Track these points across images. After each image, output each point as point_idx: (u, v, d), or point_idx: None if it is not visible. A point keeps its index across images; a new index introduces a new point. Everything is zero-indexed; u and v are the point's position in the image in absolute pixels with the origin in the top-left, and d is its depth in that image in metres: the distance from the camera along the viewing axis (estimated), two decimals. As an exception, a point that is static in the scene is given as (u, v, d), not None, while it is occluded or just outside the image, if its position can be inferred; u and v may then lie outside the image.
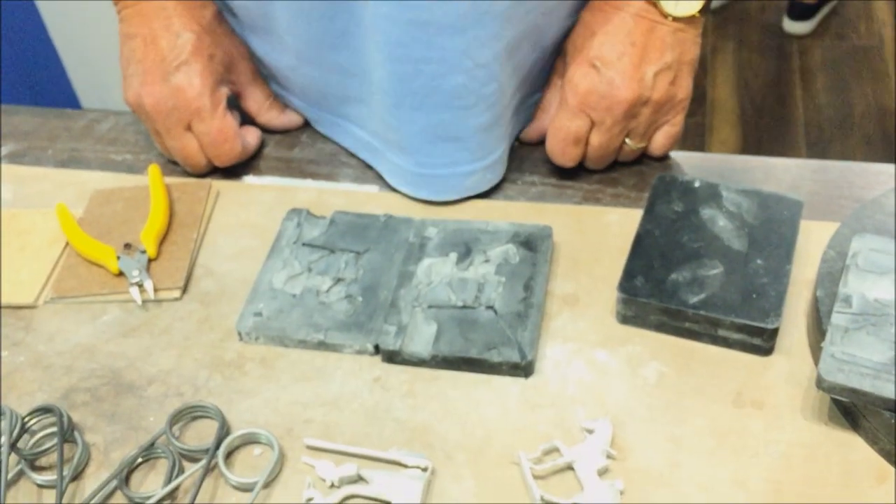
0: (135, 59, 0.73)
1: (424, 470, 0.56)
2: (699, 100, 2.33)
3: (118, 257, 0.68)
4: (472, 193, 0.73)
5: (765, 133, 2.23)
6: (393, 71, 0.68)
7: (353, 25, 0.69)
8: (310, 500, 0.55)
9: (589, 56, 0.68)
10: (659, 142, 0.73)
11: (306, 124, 0.82)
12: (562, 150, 0.71)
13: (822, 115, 2.27)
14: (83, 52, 1.97)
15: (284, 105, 0.81)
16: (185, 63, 0.72)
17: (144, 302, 0.67)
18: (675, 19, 0.68)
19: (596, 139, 0.70)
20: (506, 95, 0.71)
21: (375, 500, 0.56)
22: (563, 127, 0.70)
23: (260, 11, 0.74)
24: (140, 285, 0.68)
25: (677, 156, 0.76)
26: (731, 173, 0.74)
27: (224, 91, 0.75)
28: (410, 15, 0.64)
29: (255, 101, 0.79)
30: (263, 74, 0.80)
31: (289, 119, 0.81)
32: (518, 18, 0.67)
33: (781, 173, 0.74)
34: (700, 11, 0.68)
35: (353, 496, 0.56)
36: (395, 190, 0.75)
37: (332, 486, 0.56)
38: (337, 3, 0.68)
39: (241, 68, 0.77)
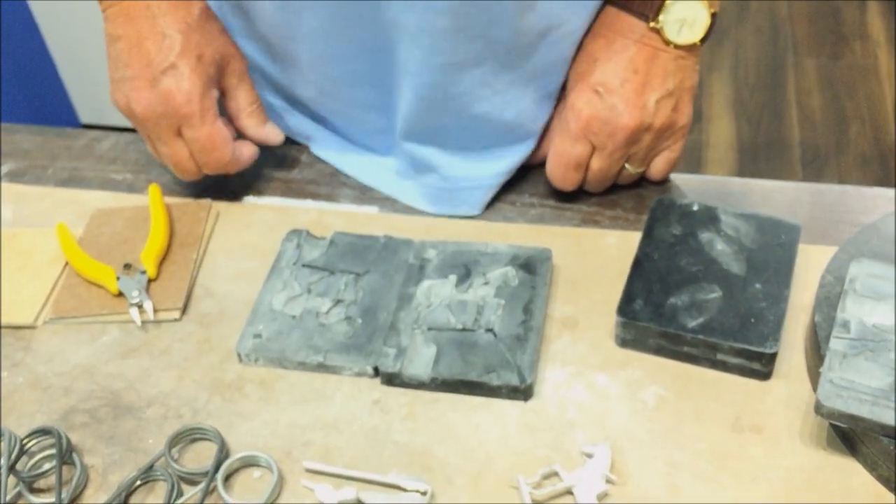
0: (121, 63, 0.70)
1: (423, 494, 0.56)
2: (696, 117, 2.33)
3: (118, 277, 0.69)
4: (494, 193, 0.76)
5: (761, 152, 2.24)
6: (417, 104, 0.71)
7: (380, 67, 0.71)
8: None
9: (591, 82, 0.69)
10: (658, 167, 0.74)
11: (304, 144, 0.82)
12: (563, 175, 0.72)
13: (818, 135, 2.28)
14: (82, 67, 1.97)
15: (267, 119, 0.77)
16: (172, 66, 0.69)
17: (144, 323, 0.67)
18: (677, 47, 0.68)
19: (596, 164, 0.71)
20: (527, 118, 0.73)
21: None
22: (565, 152, 0.70)
23: (283, 48, 0.74)
24: (140, 306, 0.68)
25: (675, 178, 0.76)
26: (728, 196, 0.74)
27: (214, 94, 0.72)
28: (442, 59, 0.67)
29: (237, 103, 0.75)
30: (279, 94, 0.80)
31: (266, 133, 0.76)
32: (541, 53, 0.70)
33: (779, 196, 0.74)
34: (701, 40, 0.68)
35: (352, 520, 0.56)
36: (405, 210, 0.75)
37: (332, 509, 0.56)
38: (363, 46, 0.70)
39: (231, 68, 0.73)
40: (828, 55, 2.51)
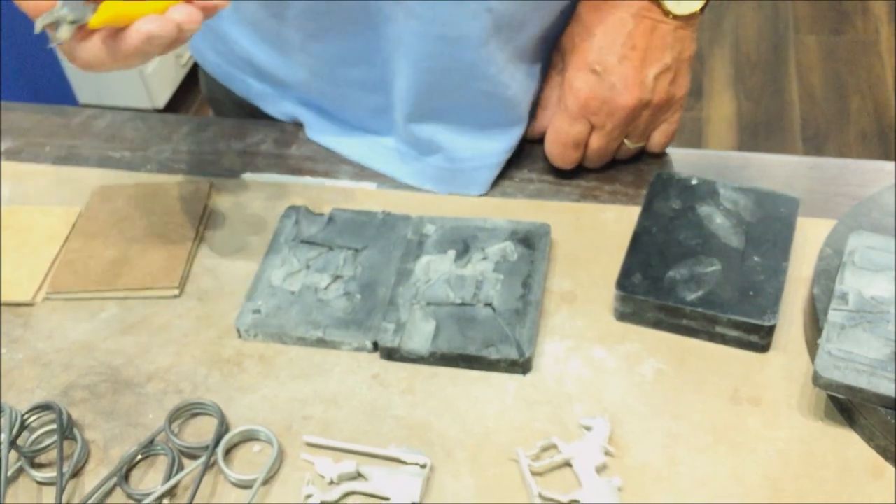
0: None
1: (423, 467, 0.56)
2: (696, 94, 2.33)
3: None
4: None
5: (761, 128, 2.24)
6: (417, 81, 0.69)
7: (374, 42, 0.69)
8: (308, 496, 0.56)
9: (588, 60, 0.68)
10: (657, 140, 0.73)
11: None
12: (561, 154, 0.71)
13: (818, 111, 2.27)
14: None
15: None
16: None
17: (143, 299, 0.68)
18: (676, 17, 0.67)
19: (595, 142, 0.70)
20: (524, 91, 0.72)
21: (374, 496, 0.56)
22: (563, 131, 0.70)
23: (272, 30, 0.73)
24: (59, 21, 0.52)
25: (674, 153, 0.76)
26: (727, 170, 0.74)
27: None
28: (439, 31, 0.66)
29: None
30: (265, 83, 0.80)
31: None
32: (533, 23, 0.69)
33: (778, 170, 0.74)
34: (701, 9, 0.67)
35: (351, 493, 0.56)
36: (404, 186, 0.75)
37: (332, 482, 0.57)
38: (356, 22, 0.69)
39: None
40: (829, 31, 2.50)
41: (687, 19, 0.68)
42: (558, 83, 0.73)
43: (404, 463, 0.57)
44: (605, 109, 0.68)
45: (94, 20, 0.52)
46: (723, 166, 0.75)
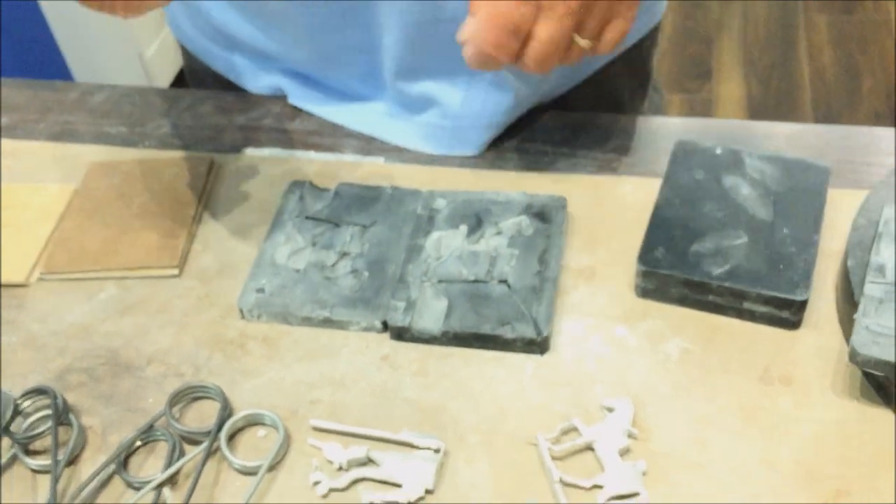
0: None
1: (437, 451, 0.54)
2: (705, 75, 2.29)
3: None
4: (496, 134, 0.72)
5: (771, 109, 2.20)
6: (404, 36, 0.66)
7: (358, 2, 0.66)
8: (316, 483, 0.53)
9: None
10: (607, 38, 0.60)
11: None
12: (496, 40, 0.56)
13: (830, 91, 2.23)
14: (75, 25, 1.93)
15: None
16: None
17: (141, 279, 0.65)
18: None
19: (543, 31, 0.56)
20: None
21: (385, 482, 0.53)
22: (503, 13, 0.55)
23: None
24: None
25: (694, 122, 0.73)
26: (751, 140, 0.71)
27: None
28: None
29: None
30: (245, 53, 0.77)
31: None
32: None
33: (804, 139, 0.71)
34: None
35: (362, 479, 0.53)
36: (412, 160, 0.72)
37: (340, 468, 0.54)
38: None
39: None
40: (839, 10, 2.46)
41: None
42: None
43: (417, 448, 0.54)
44: None
45: None
46: (747, 136, 0.72)
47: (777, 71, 2.31)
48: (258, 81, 0.78)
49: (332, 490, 0.53)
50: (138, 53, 2.07)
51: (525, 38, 0.56)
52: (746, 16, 2.47)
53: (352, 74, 0.74)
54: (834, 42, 2.37)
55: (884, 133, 0.70)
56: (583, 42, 0.59)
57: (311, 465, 0.54)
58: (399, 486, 0.53)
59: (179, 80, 2.26)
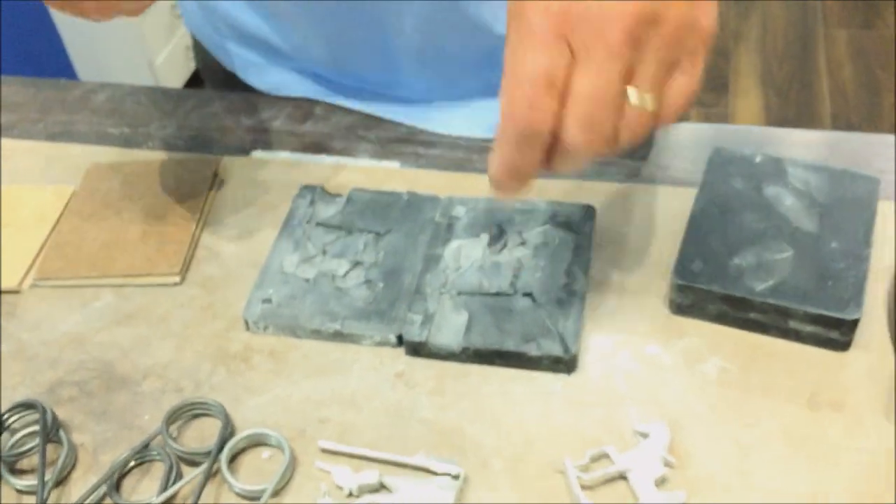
0: None
1: (456, 478, 0.49)
2: (721, 90, 2.25)
3: None
4: None
5: (790, 124, 2.16)
6: (421, 43, 0.63)
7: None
8: None
9: None
10: (671, 97, 0.46)
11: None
12: (530, 102, 0.43)
13: (850, 106, 2.19)
14: (85, 33, 1.90)
15: None
16: None
17: (141, 287, 0.61)
18: None
19: (584, 83, 0.43)
20: None
21: None
22: (529, 64, 0.44)
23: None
24: None
25: (724, 129, 0.69)
26: (791, 148, 0.67)
27: None
28: None
29: None
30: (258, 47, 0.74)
31: None
32: None
33: (846, 148, 0.67)
34: None
35: (374, 506, 0.49)
36: (430, 165, 0.68)
37: (350, 494, 0.49)
38: None
39: None
40: (859, 25, 2.41)
41: None
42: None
43: (434, 473, 0.50)
44: (593, 24, 0.43)
45: None
46: (783, 143, 0.68)
47: (796, 84, 2.27)
48: (262, 79, 0.76)
49: None
50: (148, 60, 2.04)
51: (563, 97, 0.44)
52: (765, 27, 2.43)
53: (370, 67, 0.71)
54: (854, 56, 2.33)
55: (931, 141, 0.66)
56: (639, 99, 0.44)
57: (320, 491, 0.49)
58: None
59: (190, 87, 2.23)
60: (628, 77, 0.44)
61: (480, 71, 0.69)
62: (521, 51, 0.44)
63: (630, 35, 0.43)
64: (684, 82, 0.45)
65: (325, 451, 0.51)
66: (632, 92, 0.44)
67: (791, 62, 2.33)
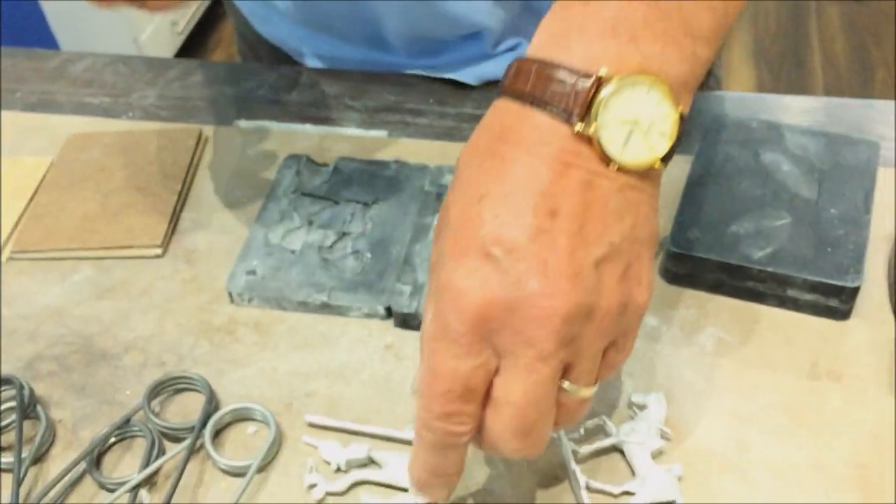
0: None
1: None
2: (713, 66, 2.23)
3: None
4: None
5: (782, 100, 2.14)
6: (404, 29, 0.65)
7: None
8: (312, 486, 0.47)
9: (479, 238, 0.38)
10: (600, 372, 0.42)
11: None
12: (447, 411, 0.39)
13: (842, 82, 2.18)
14: (70, 11, 1.87)
15: None
16: None
17: (121, 259, 0.59)
18: (622, 169, 0.39)
19: (513, 390, 0.39)
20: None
21: (388, 486, 0.47)
22: (445, 368, 0.39)
23: None
24: None
25: (722, 96, 0.67)
26: (786, 115, 0.65)
27: None
28: None
29: None
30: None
31: None
32: None
33: (845, 114, 0.65)
34: (664, 157, 0.40)
35: (362, 482, 0.48)
36: (419, 134, 0.66)
37: (339, 470, 0.48)
38: None
39: None
40: (852, -1, 2.40)
41: (641, 175, 0.40)
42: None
43: None
44: (515, 325, 0.38)
45: None
46: (780, 109, 0.66)
47: (788, 60, 2.25)
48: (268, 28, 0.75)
49: (328, 494, 0.47)
50: (133, 37, 2.01)
51: (487, 398, 0.39)
52: (757, 3, 2.41)
53: (356, 37, 0.70)
54: (846, 31, 2.31)
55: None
56: (574, 390, 0.40)
57: (306, 466, 0.48)
58: (404, 490, 0.47)
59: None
60: (562, 372, 0.39)
61: (461, 46, 0.69)
62: (438, 350, 0.39)
63: (561, 337, 0.38)
64: (614, 357, 0.42)
65: (311, 425, 0.50)
66: (568, 386, 0.40)
67: (783, 38, 2.31)
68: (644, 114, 0.39)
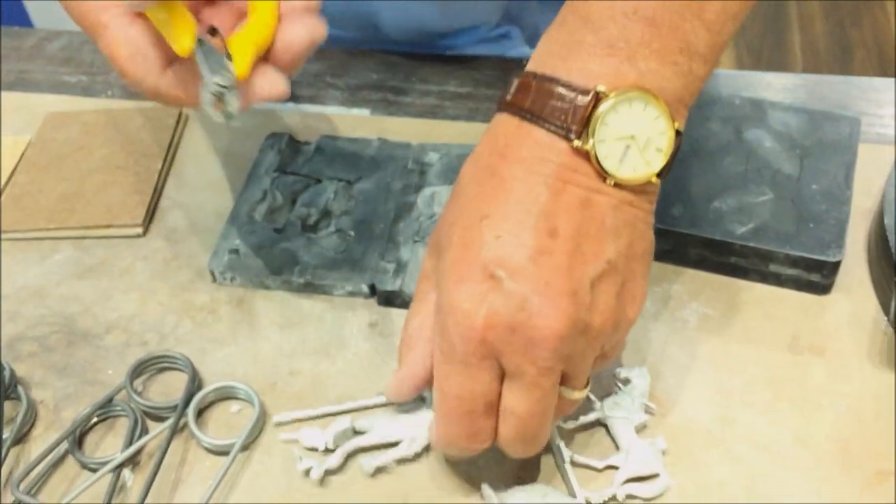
0: None
1: (422, 400, 0.48)
2: (694, 47, 2.24)
3: (198, 40, 0.42)
4: None
5: (763, 81, 2.15)
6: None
7: None
8: (308, 470, 0.47)
9: (482, 259, 0.40)
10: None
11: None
12: (468, 431, 0.42)
13: (821, 63, 2.19)
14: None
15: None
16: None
17: (102, 239, 0.58)
18: (619, 185, 0.40)
19: (518, 403, 0.41)
20: None
21: (381, 446, 0.47)
22: (457, 389, 0.41)
23: None
24: (220, 96, 0.43)
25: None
26: (769, 91, 0.65)
27: None
28: None
29: None
30: None
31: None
32: None
33: (826, 91, 0.65)
34: (659, 173, 0.41)
35: (355, 451, 0.47)
36: (402, 112, 0.66)
37: (327, 449, 0.48)
38: None
39: None
40: (831, -20, 2.40)
41: (637, 191, 0.41)
42: (429, 311, 0.44)
43: (400, 404, 0.49)
44: (518, 344, 0.40)
45: (241, 71, 0.43)
46: (761, 86, 0.66)
47: (768, 40, 2.25)
48: None
49: (328, 473, 0.47)
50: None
51: (495, 409, 0.42)
52: (737, -15, 2.41)
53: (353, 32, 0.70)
54: (826, 12, 2.32)
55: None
56: (573, 395, 0.43)
57: (295, 456, 0.47)
58: (397, 443, 0.47)
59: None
60: (561, 380, 0.42)
61: (457, 37, 0.70)
62: (450, 374, 0.41)
63: (558, 354, 0.40)
64: (601, 362, 0.44)
65: (280, 424, 0.49)
66: (567, 392, 0.43)
67: (763, 19, 2.31)
68: (640, 130, 0.40)
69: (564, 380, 0.42)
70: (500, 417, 0.42)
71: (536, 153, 0.40)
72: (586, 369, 0.42)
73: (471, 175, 0.42)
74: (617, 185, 0.40)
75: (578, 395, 0.43)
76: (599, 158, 0.39)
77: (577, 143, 0.39)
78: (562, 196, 0.40)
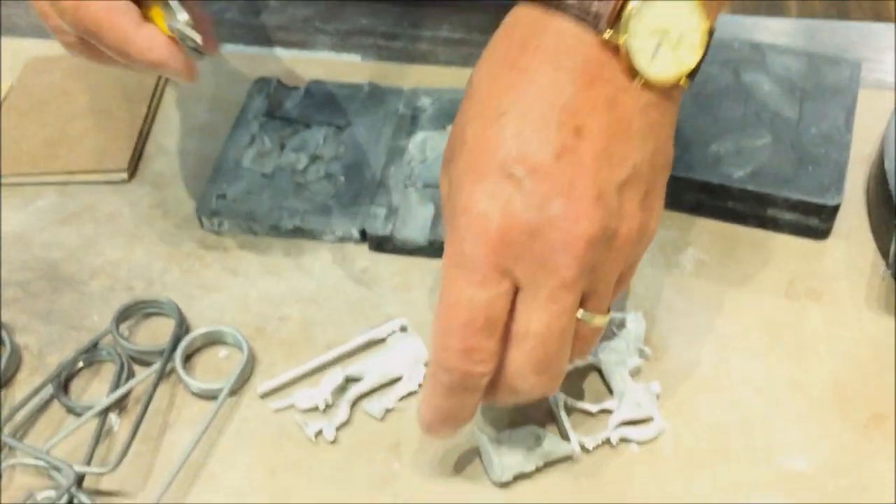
0: None
1: (404, 329, 0.48)
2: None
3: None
4: None
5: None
6: None
7: None
8: (318, 433, 0.45)
9: (500, 157, 0.36)
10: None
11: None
12: (466, 347, 0.37)
13: (817, 13, 2.17)
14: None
15: None
16: None
17: (86, 184, 0.57)
18: (647, 85, 0.37)
19: (534, 321, 0.37)
20: None
21: (382, 386, 0.47)
22: (464, 299, 0.37)
23: None
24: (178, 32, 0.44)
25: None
26: (767, 35, 0.64)
27: None
28: None
29: None
30: None
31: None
32: None
33: (826, 37, 0.64)
34: (690, 73, 0.38)
35: (357, 398, 0.47)
36: (394, 57, 0.64)
37: (328, 407, 0.47)
38: None
39: None
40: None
41: (665, 93, 0.38)
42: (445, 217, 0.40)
43: (383, 340, 0.49)
44: (538, 250, 0.36)
45: None
46: (762, 30, 0.65)
47: (764, 7, 2.23)
48: None
49: (339, 429, 0.46)
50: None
51: (505, 336, 0.38)
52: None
53: None
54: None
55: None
56: (594, 320, 0.39)
57: (299, 422, 0.46)
58: (398, 378, 0.47)
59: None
60: (581, 302, 0.38)
61: None
62: (455, 279, 0.37)
63: (583, 263, 0.36)
64: (618, 286, 0.40)
65: (265, 395, 0.47)
66: (585, 315, 0.39)
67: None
68: (674, 24, 0.37)
69: (585, 302, 0.38)
70: (513, 342, 0.37)
71: (562, 45, 0.36)
72: (609, 288, 0.39)
73: (486, 70, 0.38)
74: (645, 86, 0.37)
75: (600, 320, 0.39)
76: (631, 53, 0.36)
77: (608, 34, 0.36)
78: (589, 93, 0.36)
